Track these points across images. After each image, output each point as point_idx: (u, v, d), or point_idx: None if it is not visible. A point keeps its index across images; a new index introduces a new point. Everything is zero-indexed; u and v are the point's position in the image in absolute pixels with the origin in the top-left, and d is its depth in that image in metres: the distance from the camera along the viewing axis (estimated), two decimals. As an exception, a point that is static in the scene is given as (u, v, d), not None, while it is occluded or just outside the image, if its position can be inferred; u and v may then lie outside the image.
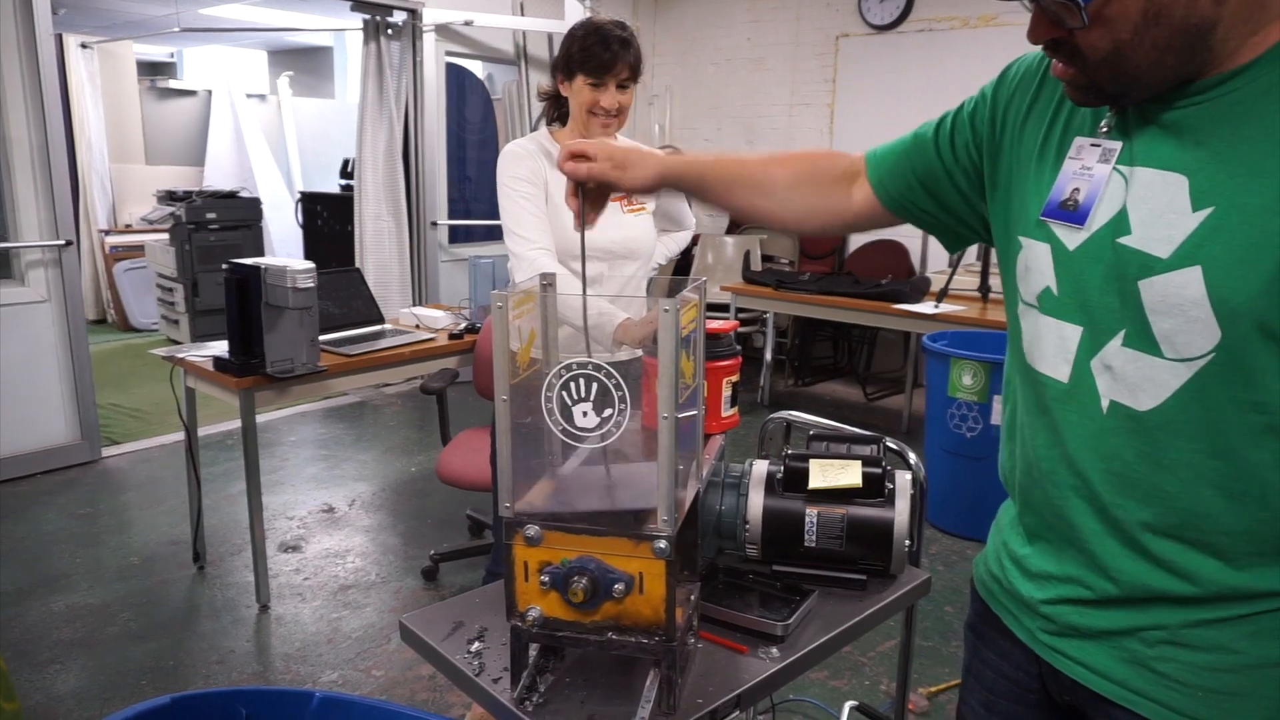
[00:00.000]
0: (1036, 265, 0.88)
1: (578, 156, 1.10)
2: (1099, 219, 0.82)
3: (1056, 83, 0.89)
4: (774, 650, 1.13)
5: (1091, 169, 0.83)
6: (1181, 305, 0.76)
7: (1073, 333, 0.84)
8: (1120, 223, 0.80)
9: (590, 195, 1.11)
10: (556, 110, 2.05)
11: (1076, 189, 0.83)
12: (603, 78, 1.87)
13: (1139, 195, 0.79)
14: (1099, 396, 0.83)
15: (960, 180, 1.00)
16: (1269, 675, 0.81)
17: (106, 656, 2.51)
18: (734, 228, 5.92)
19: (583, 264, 1.13)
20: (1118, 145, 0.82)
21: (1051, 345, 0.86)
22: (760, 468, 1.29)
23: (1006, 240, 0.94)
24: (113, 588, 2.90)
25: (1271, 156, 0.72)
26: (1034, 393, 0.90)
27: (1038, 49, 0.89)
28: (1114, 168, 0.81)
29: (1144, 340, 0.79)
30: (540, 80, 5.48)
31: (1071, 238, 0.84)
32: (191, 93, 8.35)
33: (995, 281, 4.04)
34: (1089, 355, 0.83)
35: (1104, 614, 0.87)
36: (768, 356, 4.98)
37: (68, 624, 2.68)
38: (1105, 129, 0.83)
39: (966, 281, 4.22)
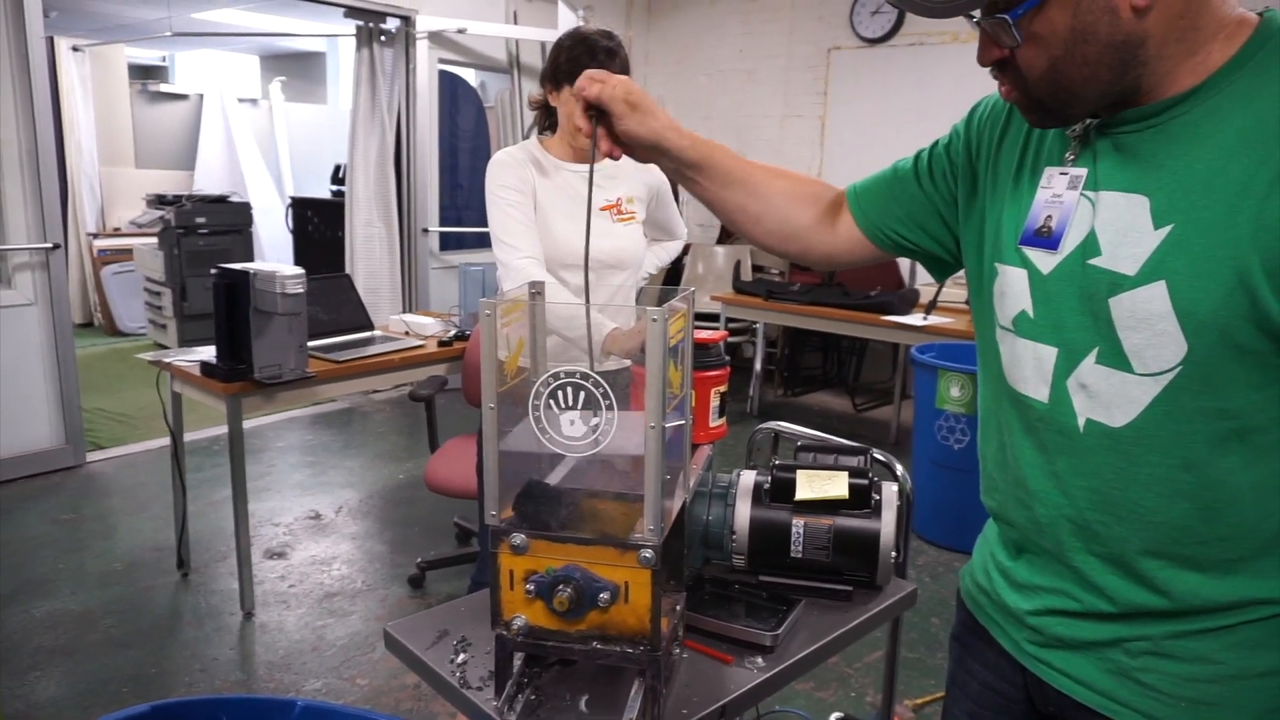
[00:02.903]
0: (1012, 290, 0.90)
1: (597, 81, 1.03)
2: (1070, 243, 0.84)
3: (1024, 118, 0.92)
4: (760, 660, 1.13)
5: (1061, 196, 0.86)
6: (1149, 320, 0.78)
7: (1048, 354, 0.86)
8: (1090, 245, 0.83)
9: (602, 124, 1.04)
10: (548, 119, 2.06)
11: (1049, 216, 0.86)
12: None
13: (1105, 217, 0.82)
14: (1076, 415, 0.85)
15: (942, 208, 1.03)
16: (1250, 686, 0.83)
17: (88, 664, 2.49)
18: (725, 238, 5.93)
19: (585, 258, 1.09)
20: (1083, 171, 0.85)
21: (1030, 367, 0.88)
22: (748, 478, 1.29)
23: (979, 267, 0.97)
24: (95, 594, 2.88)
25: (1222, 174, 0.75)
26: (1018, 414, 0.91)
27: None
28: (1081, 193, 0.84)
29: (1115, 357, 0.81)
30: (533, 89, 5.49)
31: (1046, 262, 0.86)
32: (183, 96, 8.32)
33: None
34: (1065, 375, 0.85)
35: (1089, 626, 0.88)
36: (757, 367, 4.99)
37: (49, 630, 2.65)
38: (1071, 157, 0.86)
39: (955, 294, 4.24)
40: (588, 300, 1.15)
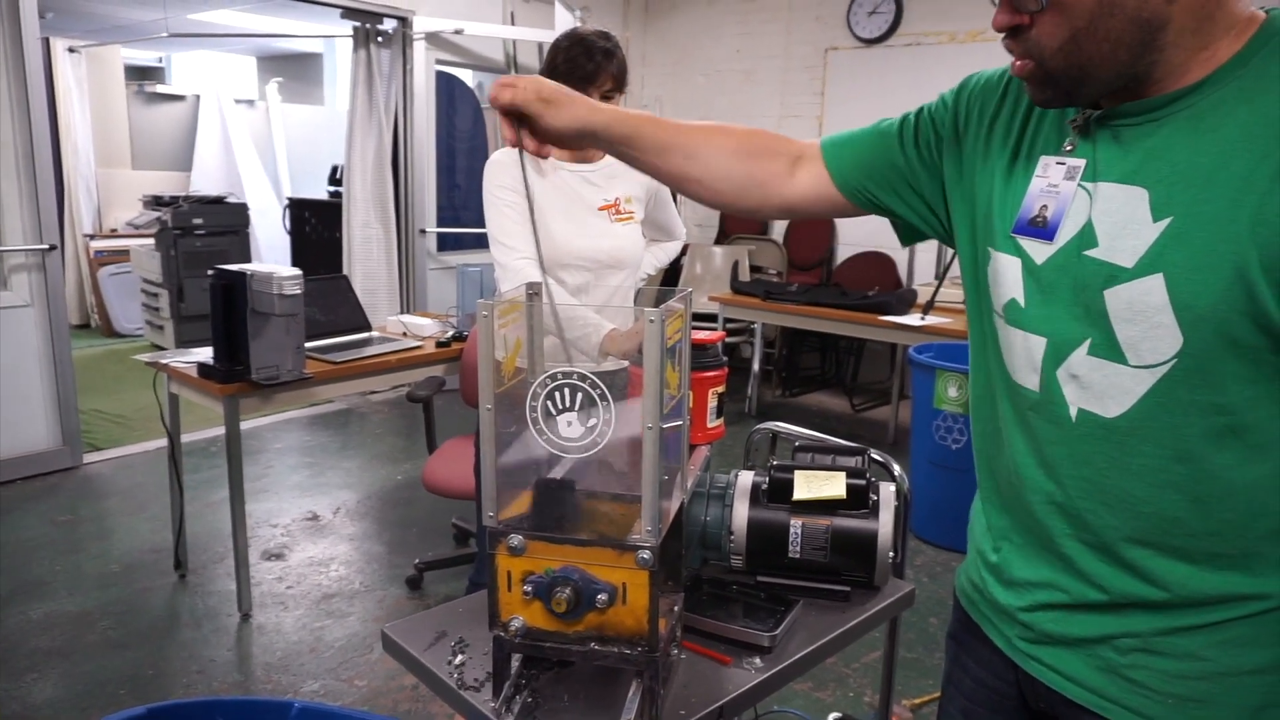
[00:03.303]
0: (1004, 277, 0.90)
1: (508, 87, 1.03)
2: (1066, 233, 0.84)
3: (1019, 100, 0.92)
4: (758, 661, 1.13)
5: (1058, 186, 0.85)
6: (1145, 312, 0.78)
7: (1037, 343, 0.86)
8: (1086, 236, 0.83)
9: (525, 126, 1.04)
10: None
11: (1044, 206, 0.86)
12: (586, 89, 1.87)
13: (1103, 209, 0.82)
14: (1068, 405, 0.85)
15: (922, 176, 1.01)
16: (1238, 683, 0.83)
17: (85, 665, 2.48)
18: (723, 238, 5.93)
19: (531, 218, 1.09)
20: (1081, 162, 0.84)
21: (1020, 356, 0.89)
22: (745, 479, 1.29)
23: (972, 250, 0.96)
24: (92, 595, 2.87)
25: (1224, 168, 0.75)
26: (1012, 401, 0.91)
27: (998, 68, 0.95)
28: (1079, 184, 0.84)
29: (1109, 348, 0.81)
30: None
31: (1040, 252, 0.86)
32: (179, 97, 8.32)
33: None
34: (1054, 365, 0.85)
35: (1080, 620, 0.89)
36: (755, 367, 4.99)
37: (46, 632, 2.64)
38: (1069, 147, 0.86)
39: (953, 294, 4.24)
40: (545, 284, 1.10)
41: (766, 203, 1.09)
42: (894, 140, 1.03)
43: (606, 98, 1.90)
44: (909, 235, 1.08)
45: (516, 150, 2.01)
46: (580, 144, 1.07)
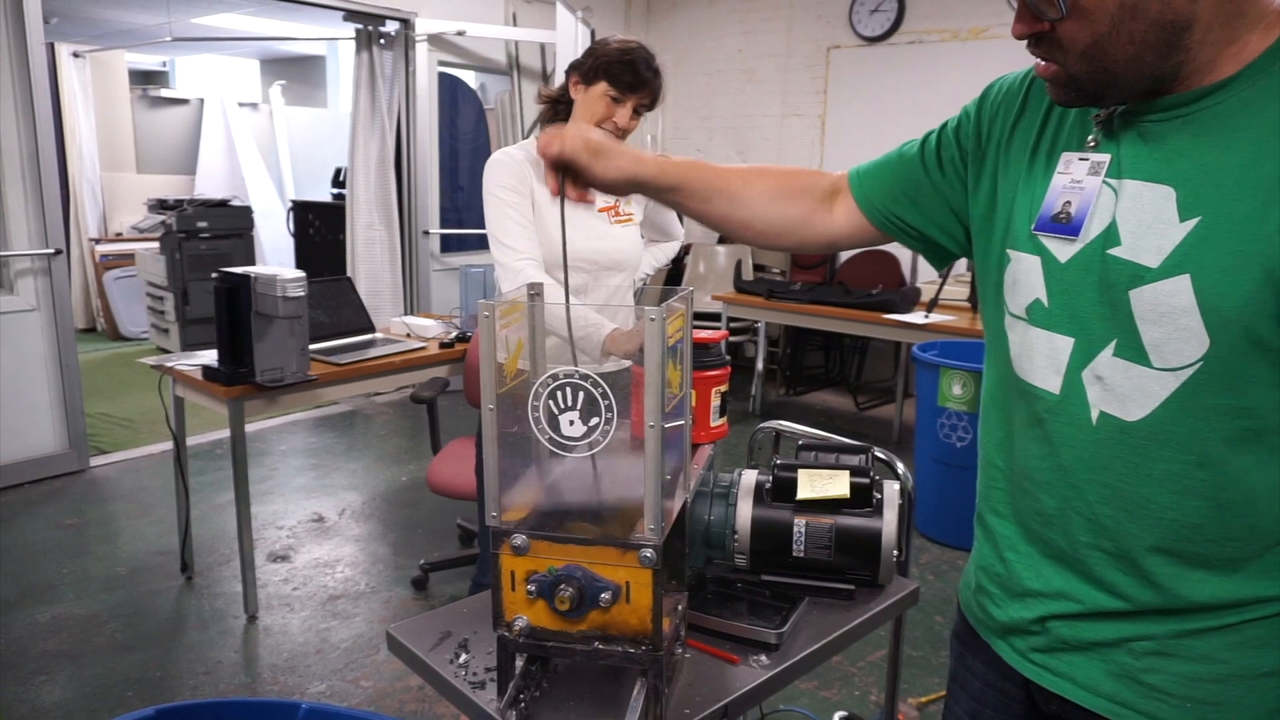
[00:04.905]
0: (1025, 278, 0.88)
1: (555, 139, 1.06)
2: (1091, 231, 0.82)
3: (1041, 100, 0.91)
4: (764, 659, 1.13)
5: (1082, 182, 0.84)
6: (1171, 314, 0.77)
7: (1064, 344, 0.85)
8: (1110, 234, 0.81)
9: (569, 178, 1.07)
10: (555, 114, 2.05)
11: (1068, 202, 0.84)
12: (626, 94, 1.89)
13: (1128, 207, 0.80)
14: (1089, 408, 0.83)
15: (948, 194, 1.01)
16: (1255, 685, 0.82)
17: (93, 668, 2.49)
18: (726, 238, 5.93)
19: (564, 262, 1.12)
20: (1106, 158, 0.83)
21: (1043, 357, 0.87)
22: (749, 478, 1.29)
23: (989, 254, 0.95)
24: (100, 598, 2.88)
25: (1255, 167, 0.74)
26: (1025, 405, 0.89)
27: (1019, 71, 0.93)
28: (1104, 180, 0.82)
29: (1134, 350, 0.80)
30: (534, 89, 5.49)
31: (1063, 250, 0.84)
32: (183, 101, 8.34)
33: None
34: (1080, 366, 0.83)
35: (1093, 625, 0.87)
36: (759, 366, 4.99)
37: (54, 635, 2.65)
38: (1093, 143, 0.84)
39: (956, 292, 4.24)
40: (567, 298, 1.13)
41: (808, 240, 1.11)
42: (916, 160, 1.03)
43: (637, 111, 1.93)
44: (940, 257, 1.07)
45: (522, 150, 2.02)
46: (626, 192, 1.09)
